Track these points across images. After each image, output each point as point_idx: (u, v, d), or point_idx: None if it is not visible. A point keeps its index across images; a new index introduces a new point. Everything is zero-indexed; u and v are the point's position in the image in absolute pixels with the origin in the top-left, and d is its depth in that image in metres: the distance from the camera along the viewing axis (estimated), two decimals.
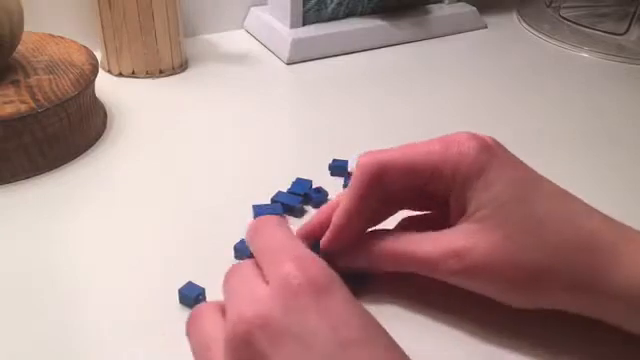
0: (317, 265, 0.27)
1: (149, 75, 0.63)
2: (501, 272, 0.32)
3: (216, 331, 0.28)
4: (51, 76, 0.51)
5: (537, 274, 0.32)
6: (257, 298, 0.27)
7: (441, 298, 0.37)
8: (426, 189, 0.35)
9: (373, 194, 0.34)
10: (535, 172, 0.34)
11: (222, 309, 0.29)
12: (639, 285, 0.31)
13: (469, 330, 0.35)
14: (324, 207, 0.38)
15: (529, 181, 0.33)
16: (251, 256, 0.31)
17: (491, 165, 0.32)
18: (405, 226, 0.38)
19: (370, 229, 0.37)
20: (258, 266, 0.29)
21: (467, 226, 0.33)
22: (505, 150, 0.34)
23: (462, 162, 0.33)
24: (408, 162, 0.34)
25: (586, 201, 0.34)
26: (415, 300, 0.37)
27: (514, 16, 0.82)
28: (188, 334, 0.30)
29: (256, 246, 0.31)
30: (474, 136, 0.33)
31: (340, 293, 0.27)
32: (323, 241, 0.36)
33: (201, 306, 0.30)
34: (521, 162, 0.34)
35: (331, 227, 0.36)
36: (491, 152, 0.33)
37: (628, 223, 0.34)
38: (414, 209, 0.38)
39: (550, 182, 0.34)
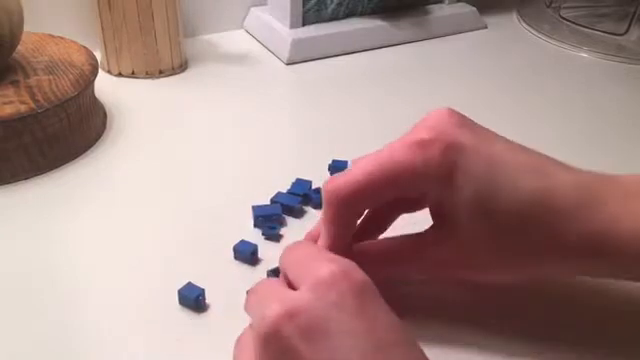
0: (357, 270, 0.28)
1: (149, 75, 0.63)
2: (498, 263, 0.33)
3: (247, 337, 0.29)
4: (51, 76, 0.51)
5: (533, 256, 0.32)
6: (286, 296, 0.27)
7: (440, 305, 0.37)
8: (400, 196, 0.34)
9: (347, 220, 0.34)
10: (498, 144, 0.33)
11: None
12: None
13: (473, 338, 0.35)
14: (311, 232, 0.37)
15: (497, 165, 0.32)
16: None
17: (457, 166, 0.31)
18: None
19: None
20: (285, 282, 0.30)
21: (447, 232, 0.33)
22: (466, 131, 0.33)
23: (429, 169, 0.32)
24: (373, 182, 0.32)
25: None
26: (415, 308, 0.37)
27: (514, 16, 0.82)
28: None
29: (287, 263, 0.31)
30: (436, 135, 0.32)
31: (376, 296, 0.28)
32: None
33: (245, 329, 0.31)
34: (485, 141, 0.33)
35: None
36: (455, 149, 0.32)
37: None
38: (400, 212, 0.38)
39: (514, 151, 0.33)
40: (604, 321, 0.36)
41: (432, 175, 0.31)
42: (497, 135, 0.34)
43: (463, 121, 0.33)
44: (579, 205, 0.32)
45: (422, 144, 0.32)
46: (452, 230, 0.33)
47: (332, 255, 0.30)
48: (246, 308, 0.31)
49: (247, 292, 0.32)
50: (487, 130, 0.34)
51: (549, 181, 0.32)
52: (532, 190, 0.31)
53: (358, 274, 0.28)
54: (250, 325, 0.30)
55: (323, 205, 0.34)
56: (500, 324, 0.36)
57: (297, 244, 0.34)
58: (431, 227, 0.34)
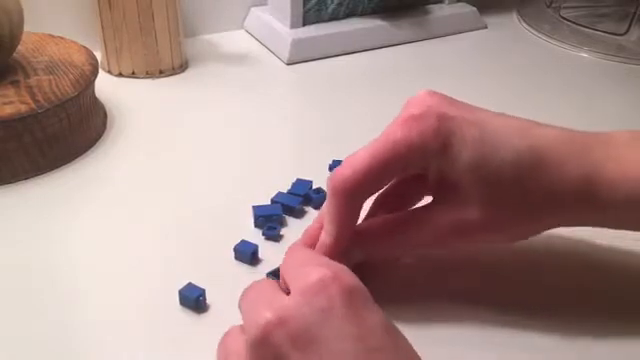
0: (348, 273, 0.28)
1: (149, 75, 0.63)
2: (500, 222, 0.34)
3: (236, 344, 0.29)
4: (51, 76, 0.51)
5: (532, 210, 0.34)
6: (277, 302, 0.27)
7: (443, 301, 0.37)
8: (402, 174, 0.36)
9: (353, 209, 0.34)
10: (483, 112, 0.35)
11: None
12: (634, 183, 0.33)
13: (473, 332, 0.35)
14: (309, 229, 0.37)
15: (488, 129, 0.33)
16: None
17: (452, 133, 0.33)
18: (383, 203, 0.39)
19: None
20: (283, 286, 0.30)
21: (453, 197, 0.34)
22: (451, 104, 0.34)
23: (426, 140, 0.33)
24: (376, 165, 0.33)
25: None
26: (415, 302, 0.37)
27: (514, 16, 0.82)
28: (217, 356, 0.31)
29: (284, 268, 0.32)
30: (427, 109, 0.33)
31: (367, 299, 0.28)
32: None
33: (230, 328, 0.31)
34: (470, 111, 0.35)
35: (322, 248, 0.35)
36: (448, 118, 0.33)
37: None
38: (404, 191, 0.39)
39: (500, 116, 0.35)
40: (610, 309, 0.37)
41: (430, 145, 0.33)
42: (478, 107, 0.36)
43: (445, 97, 0.35)
44: (567, 154, 0.33)
45: (415, 118, 0.33)
46: (454, 196, 0.33)
47: (324, 259, 0.30)
48: (240, 308, 0.31)
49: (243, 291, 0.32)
50: (469, 104, 0.36)
51: (537, 137, 0.34)
52: (523, 147, 0.33)
53: (348, 278, 0.28)
54: (242, 326, 0.30)
55: (328, 197, 0.34)
56: (499, 314, 0.36)
57: (294, 248, 0.34)
58: (432, 201, 0.35)
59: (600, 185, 0.33)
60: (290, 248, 0.35)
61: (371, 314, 0.27)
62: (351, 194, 0.33)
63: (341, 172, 0.33)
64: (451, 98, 0.35)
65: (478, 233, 0.34)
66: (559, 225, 0.35)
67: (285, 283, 0.30)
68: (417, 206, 0.37)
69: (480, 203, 0.33)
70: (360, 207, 0.35)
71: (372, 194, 0.36)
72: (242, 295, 0.31)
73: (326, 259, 0.30)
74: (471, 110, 0.35)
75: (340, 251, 0.34)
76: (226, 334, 0.31)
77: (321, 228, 0.36)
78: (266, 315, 0.27)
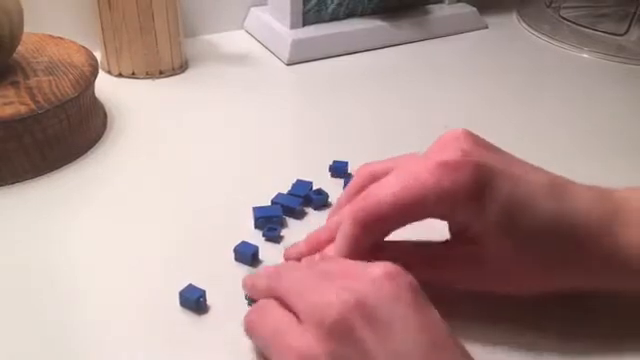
0: (404, 270, 0.29)
1: (149, 76, 0.63)
2: (522, 276, 0.33)
3: (288, 316, 0.29)
4: (51, 77, 0.51)
5: (548, 273, 0.33)
6: (350, 287, 0.28)
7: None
8: (426, 218, 0.34)
9: (369, 241, 0.34)
10: (517, 165, 0.34)
11: (283, 304, 0.30)
12: None
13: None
14: (311, 237, 0.37)
15: (521, 186, 0.32)
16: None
17: (487, 186, 0.32)
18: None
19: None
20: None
21: (471, 245, 0.33)
22: (488, 152, 0.33)
23: (458, 191, 0.31)
24: (402, 206, 0.32)
25: None
26: None
27: (514, 16, 0.82)
28: (253, 329, 0.31)
29: (329, 268, 0.31)
30: (463, 156, 0.32)
31: (425, 296, 0.29)
32: (294, 254, 0.37)
33: (258, 303, 0.32)
34: (507, 163, 0.33)
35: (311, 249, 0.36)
36: (484, 170, 0.32)
37: None
38: None
39: (533, 171, 0.34)
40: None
41: (461, 196, 0.31)
42: (512, 155, 0.35)
43: (481, 142, 0.34)
44: (598, 221, 0.33)
45: (449, 166, 0.31)
46: (472, 245, 0.33)
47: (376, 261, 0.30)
48: (283, 292, 0.30)
49: (275, 273, 0.32)
50: (503, 150, 0.35)
51: (570, 200, 0.33)
52: (554, 209, 0.32)
53: (409, 275, 0.29)
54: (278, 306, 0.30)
55: (347, 221, 0.33)
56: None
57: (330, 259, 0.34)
58: (453, 240, 0.35)
59: (630, 252, 0.32)
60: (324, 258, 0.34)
61: (432, 310, 0.28)
62: (369, 228, 0.33)
63: (365, 206, 0.33)
64: (486, 142, 0.34)
65: (487, 282, 0.34)
66: (584, 288, 0.34)
67: (329, 279, 0.30)
68: (433, 241, 0.36)
69: (498, 257, 0.33)
70: (374, 241, 0.34)
71: (393, 230, 0.35)
72: (275, 280, 0.31)
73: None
74: (505, 160, 0.34)
75: None
76: (262, 309, 0.31)
77: (329, 238, 0.36)
78: (344, 297, 0.27)
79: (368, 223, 0.33)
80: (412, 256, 0.35)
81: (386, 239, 0.35)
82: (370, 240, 0.34)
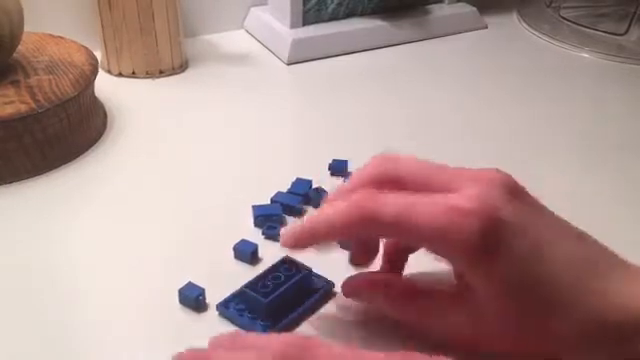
0: None
1: (149, 75, 0.63)
2: (515, 340, 0.31)
3: None
4: (51, 76, 0.51)
5: (556, 343, 0.30)
6: None
7: None
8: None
9: (359, 233, 0.33)
10: (549, 226, 0.30)
11: None
12: None
13: None
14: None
15: (542, 253, 0.29)
16: None
17: (497, 245, 0.29)
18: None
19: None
20: None
21: (468, 297, 0.31)
22: (515, 205, 0.30)
23: (461, 239, 0.29)
24: (400, 230, 0.30)
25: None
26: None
27: (514, 16, 0.82)
28: None
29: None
30: (482, 207, 0.29)
31: None
32: (290, 234, 0.34)
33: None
34: (536, 223, 0.30)
35: (306, 228, 0.33)
36: (497, 227, 0.29)
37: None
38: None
39: (565, 237, 0.30)
40: None
41: (464, 247, 0.29)
42: (548, 213, 0.31)
43: (514, 190, 0.30)
44: (629, 333, 0.28)
45: (464, 213, 0.29)
46: (470, 298, 0.31)
47: None
48: None
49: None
50: (538, 205, 0.31)
51: (596, 280, 0.29)
52: (574, 286, 0.29)
53: None
54: None
55: (354, 204, 0.31)
56: None
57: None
58: (454, 287, 0.33)
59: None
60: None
61: None
62: (363, 227, 0.31)
63: (371, 206, 0.30)
64: (521, 191, 0.31)
65: (478, 340, 0.31)
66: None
67: None
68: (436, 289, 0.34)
69: (497, 315, 0.30)
70: (363, 236, 0.34)
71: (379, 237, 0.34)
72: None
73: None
74: (535, 217, 0.30)
75: (315, 241, 0.33)
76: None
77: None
78: None
79: (364, 221, 0.31)
80: (403, 290, 0.34)
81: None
82: (361, 233, 0.33)
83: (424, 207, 0.30)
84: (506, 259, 0.29)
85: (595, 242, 0.31)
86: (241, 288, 0.36)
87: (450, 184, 0.31)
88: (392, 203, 0.30)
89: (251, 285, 0.36)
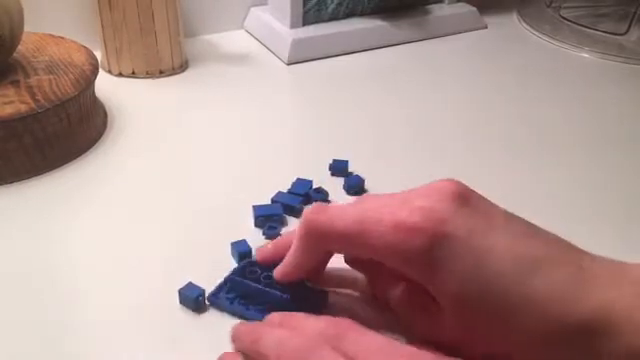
0: None
1: (149, 75, 0.63)
2: (479, 347, 0.30)
3: None
4: (51, 76, 0.51)
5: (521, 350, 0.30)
6: None
7: None
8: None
9: (319, 252, 0.33)
10: (498, 233, 0.30)
11: None
12: None
13: None
14: (280, 240, 0.37)
15: (487, 264, 0.29)
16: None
17: (442, 259, 0.29)
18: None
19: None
20: None
21: (437, 311, 0.31)
22: (464, 215, 0.29)
23: (411, 257, 0.29)
24: (348, 242, 0.31)
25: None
26: None
27: (514, 16, 0.82)
28: None
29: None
30: (428, 221, 0.29)
31: None
32: (277, 272, 0.35)
33: None
34: (482, 230, 0.29)
35: (284, 265, 0.35)
36: (442, 243, 0.29)
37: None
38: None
39: (514, 241, 0.30)
40: None
41: (413, 263, 0.29)
42: (503, 217, 0.31)
43: (467, 200, 0.30)
44: (573, 300, 0.28)
45: (409, 229, 0.29)
46: (431, 307, 0.31)
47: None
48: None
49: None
50: (492, 212, 0.31)
51: (543, 287, 0.28)
52: (521, 294, 0.28)
53: None
54: None
55: (298, 232, 0.33)
56: None
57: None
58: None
59: (602, 333, 0.28)
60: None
61: None
62: (315, 242, 0.32)
63: (317, 214, 0.31)
64: (475, 200, 0.31)
65: (443, 336, 0.31)
66: None
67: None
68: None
69: (454, 320, 0.30)
70: (322, 256, 0.34)
71: (340, 253, 0.34)
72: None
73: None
74: (484, 227, 0.30)
75: (297, 275, 0.34)
76: None
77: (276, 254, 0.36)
78: None
79: (317, 238, 0.32)
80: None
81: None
82: (320, 252, 0.33)
83: (373, 225, 0.30)
84: (453, 273, 0.29)
85: (548, 239, 0.30)
86: (228, 276, 0.37)
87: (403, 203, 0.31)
88: (342, 214, 0.31)
89: (238, 271, 0.37)
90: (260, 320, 0.34)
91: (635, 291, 0.28)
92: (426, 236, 0.29)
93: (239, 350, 0.32)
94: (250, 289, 0.36)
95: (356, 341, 0.29)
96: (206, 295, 0.37)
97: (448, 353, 0.29)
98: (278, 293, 0.35)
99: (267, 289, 0.35)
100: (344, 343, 0.29)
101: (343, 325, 0.30)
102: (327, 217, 0.31)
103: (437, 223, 0.29)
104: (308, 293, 0.36)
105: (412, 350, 0.28)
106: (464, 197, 0.30)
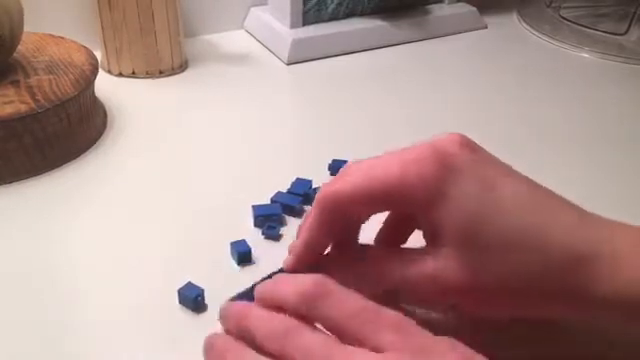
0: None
1: (149, 75, 0.63)
2: (475, 295, 0.31)
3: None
4: (51, 76, 0.51)
5: (512, 295, 0.30)
6: None
7: None
8: (391, 210, 0.33)
9: (334, 227, 0.33)
10: (499, 169, 0.31)
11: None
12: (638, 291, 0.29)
13: None
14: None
15: (492, 192, 0.30)
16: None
17: (450, 186, 0.30)
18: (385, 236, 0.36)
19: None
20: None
21: (435, 250, 0.31)
22: (467, 152, 0.31)
23: (419, 187, 0.30)
24: (364, 193, 0.31)
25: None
26: None
27: (514, 16, 0.82)
28: None
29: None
30: (432, 156, 0.30)
31: None
32: (287, 264, 0.34)
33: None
34: (489, 168, 0.31)
35: (293, 253, 0.34)
36: (451, 170, 0.30)
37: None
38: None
39: (514, 179, 0.31)
40: None
41: (422, 190, 0.30)
42: (503, 163, 0.32)
43: (473, 148, 0.31)
44: (575, 253, 0.29)
45: (416, 160, 0.30)
46: (439, 250, 0.31)
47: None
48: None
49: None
50: (497, 160, 0.32)
51: (546, 219, 0.30)
52: (525, 225, 0.29)
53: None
54: None
55: (312, 213, 0.32)
56: None
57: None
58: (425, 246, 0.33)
59: (597, 276, 0.29)
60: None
61: None
62: (330, 209, 0.32)
63: (327, 187, 0.32)
64: (477, 146, 0.32)
65: (454, 293, 0.31)
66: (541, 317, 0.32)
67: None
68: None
69: (461, 267, 0.30)
70: (338, 226, 0.33)
71: (357, 217, 0.34)
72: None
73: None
74: (487, 161, 0.31)
75: (307, 262, 0.33)
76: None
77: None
78: None
79: (331, 210, 0.32)
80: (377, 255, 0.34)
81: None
82: (335, 226, 0.33)
83: (378, 168, 0.31)
84: (458, 200, 0.30)
85: (548, 190, 0.32)
86: (252, 286, 0.36)
87: None
88: (349, 175, 0.32)
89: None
90: None
91: (635, 232, 0.30)
92: (434, 164, 0.30)
93: (227, 329, 0.31)
94: None
95: (338, 302, 0.28)
96: (205, 295, 0.37)
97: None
98: None
99: None
100: (326, 304, 0.28)
101: (327, 285, 0.29)
102: (335, 184, 0.32)
103: (445, 156, 0.30)
104: None
105: (398, 317, 0.27)
106: (471, 145, 0.32)
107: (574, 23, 0.75)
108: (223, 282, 0.38)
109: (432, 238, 0.31)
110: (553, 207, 0.31)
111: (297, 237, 0.34)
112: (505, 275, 0.30)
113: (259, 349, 0.28)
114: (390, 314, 0.27)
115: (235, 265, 0.40)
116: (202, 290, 0.37)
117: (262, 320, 0.29)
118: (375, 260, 0.33)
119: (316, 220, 0.32)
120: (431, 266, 0.31)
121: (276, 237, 0.42)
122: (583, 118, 0.59)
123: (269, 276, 0.37)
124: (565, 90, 0.64)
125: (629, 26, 0.72)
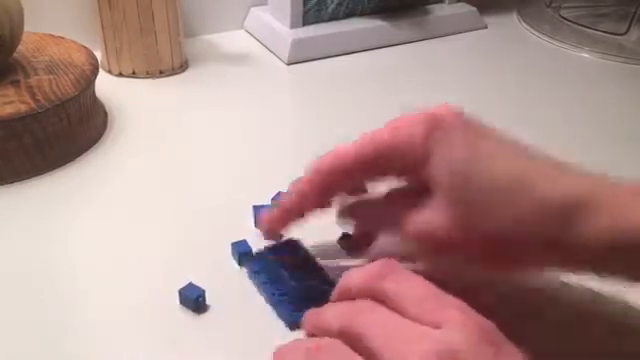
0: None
1: (149, 75, 0.63)
2: (466, 248, 0.32)
3: None
4: (51, 76, 0.51)
5: (501, 247, 0.31)
6: (432, 337, 0.25)
7: None
8: (387, 174, 0.35)
9: (330, 192, 0.36)
10: (489, 134, 0.33)
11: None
12: (618, 236, 0.29)
13: None
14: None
15: (479, 153, 0.31)
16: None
17: (437, 143, 0.32)
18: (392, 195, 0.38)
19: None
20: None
21: (430, 203, 0.33)
22: (457, 116, 0.33)
23: (408, 145, 0.32)
24: (357, 158, 0.34)
25: None
26: None
27: (514, 16, 0.82)
28: None
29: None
30: (422, 118, 0.33)
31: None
32: (268, 218, 0.38)
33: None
34: (476, 126, 0.33)
35: (281, 207, 0.37)
36: (439, 128, 0.32)
37: None
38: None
39: (505, 144, 0.33)
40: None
41: (410, 150, 0.32)
42: (496, 132, 0.34)
43: (457, 108, 0.34)
44: (557, 206, 0.30)
45: (407, 123, 0.33)
46: (430, 203, 0.32)
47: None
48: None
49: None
50: (480, 120, 0.34)
51: (530, 170, 0.31)
52: (509, 177, 0.31)
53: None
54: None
55: (309, 177, 0.35)
56: None
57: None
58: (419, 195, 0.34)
59: (581, 222, 0.30)
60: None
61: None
62: (329, 179, 0.35)
63: (323, 159, 0.35)
64: (466, 114, 0.34)
65: (448, 247, 0.32)
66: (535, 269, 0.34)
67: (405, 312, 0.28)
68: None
69: (454, 222, 0.31)
70: (331, 191, 0.36)
71: (350, 182, 0.37)
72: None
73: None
74: (473, 126, 0.33)
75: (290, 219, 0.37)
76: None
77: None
78: (430, 347, 0.25)
79: (327, 178, 0.35)
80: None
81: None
82: (332, 191, 0.36)
83: (369, 134, 0.34)
84: (444, 155, 0.32)
85: (532, 147, 0.34)
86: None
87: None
88: (344, 148, 0.35)
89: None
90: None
91: (616, 184, 0.32)
92: (424, 124, 0.32)
93: (308, 332, 0.32)
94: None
95: (402, 284, 0.28)
96: (206, 295, 0.37)
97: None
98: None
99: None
100: (388, 285, 0.28)
101: (391, 266, 0.30)
102: (330, 154, 0.35)
103: (434, 117, 0.33)
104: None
105: (462, 303, 0.27)
106: (459, 110, 0.34)
107: (574, 23, 0.75)
108: (223, 282, 0.38)
109: (421, 190, 0.33)
110: (536, 160, 0.33)
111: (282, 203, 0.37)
112: (492, 225, 0.31)
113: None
114: (451, 298, 0.28)
115: (236, 265, 0.40)
116: (203, 291, 0.37)
117: (333, 308, 0.30)
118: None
119: (309, 181, 0.35)
120: (422, 219, 0.33)
121: (276, 237, 0.42)
122: (583, 118, 0.59)
123: (274, 246, 0.38)
124: (565, 90, 0.64)
125: (629, 26, 0.72)
